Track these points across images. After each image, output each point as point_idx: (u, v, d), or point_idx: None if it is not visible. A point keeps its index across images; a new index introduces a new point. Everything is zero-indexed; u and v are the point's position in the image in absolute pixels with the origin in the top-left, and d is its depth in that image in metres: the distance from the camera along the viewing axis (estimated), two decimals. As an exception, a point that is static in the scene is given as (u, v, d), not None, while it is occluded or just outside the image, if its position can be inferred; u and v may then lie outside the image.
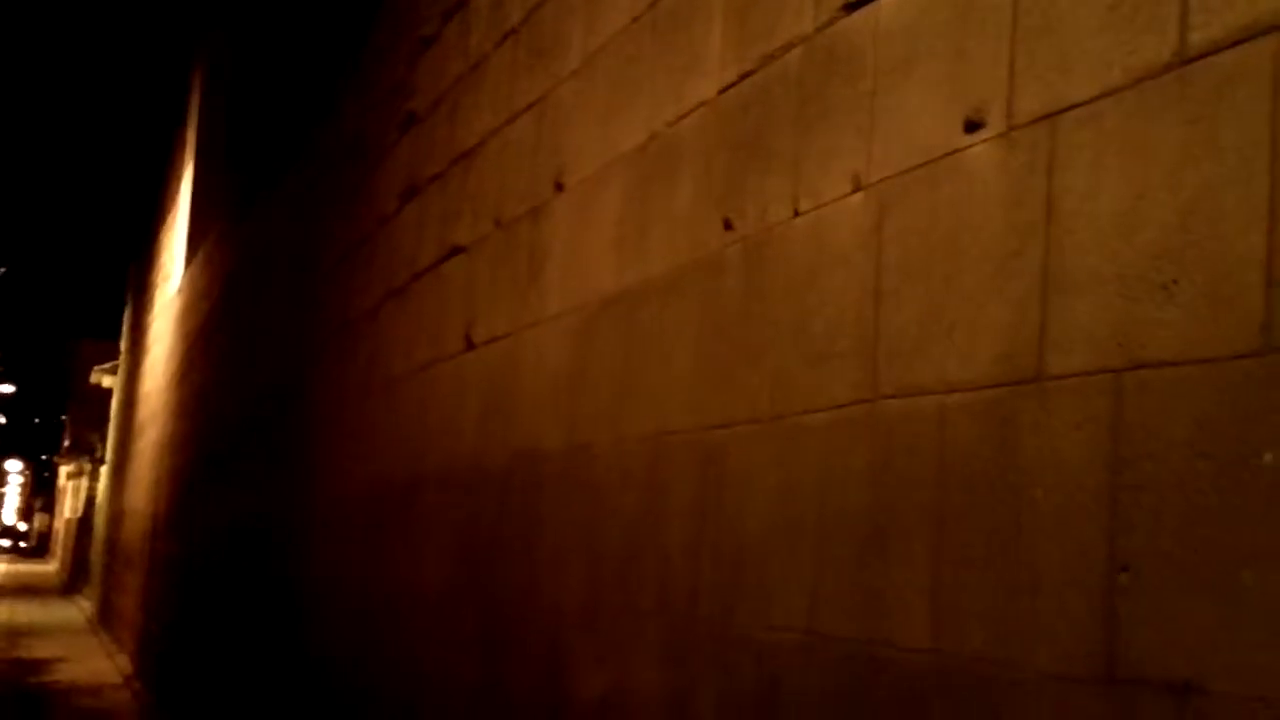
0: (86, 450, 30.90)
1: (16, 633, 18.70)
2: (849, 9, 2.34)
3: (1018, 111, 1.94)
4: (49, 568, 43.48)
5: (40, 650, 16.20)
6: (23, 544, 71.34)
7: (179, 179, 15.19)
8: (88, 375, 28.25)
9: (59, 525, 47.46)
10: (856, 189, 2.30)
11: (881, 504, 2.13)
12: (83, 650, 16.48)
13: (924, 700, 1.97)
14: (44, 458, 52.09)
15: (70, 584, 30.81)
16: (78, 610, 23.39)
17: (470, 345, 4.25)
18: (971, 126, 2.04)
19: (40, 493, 69.10)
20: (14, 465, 76.31)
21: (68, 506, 41.76)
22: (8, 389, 41.28)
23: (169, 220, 15.90)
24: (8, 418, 46.28)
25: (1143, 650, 1.59)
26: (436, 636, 4.23)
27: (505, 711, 3.58)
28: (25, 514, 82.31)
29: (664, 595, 2.78)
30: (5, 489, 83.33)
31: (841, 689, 2.17)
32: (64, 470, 44.36)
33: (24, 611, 23.15)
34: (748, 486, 2.52)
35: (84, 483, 33.69)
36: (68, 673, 14.02)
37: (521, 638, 3.54)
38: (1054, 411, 1.80)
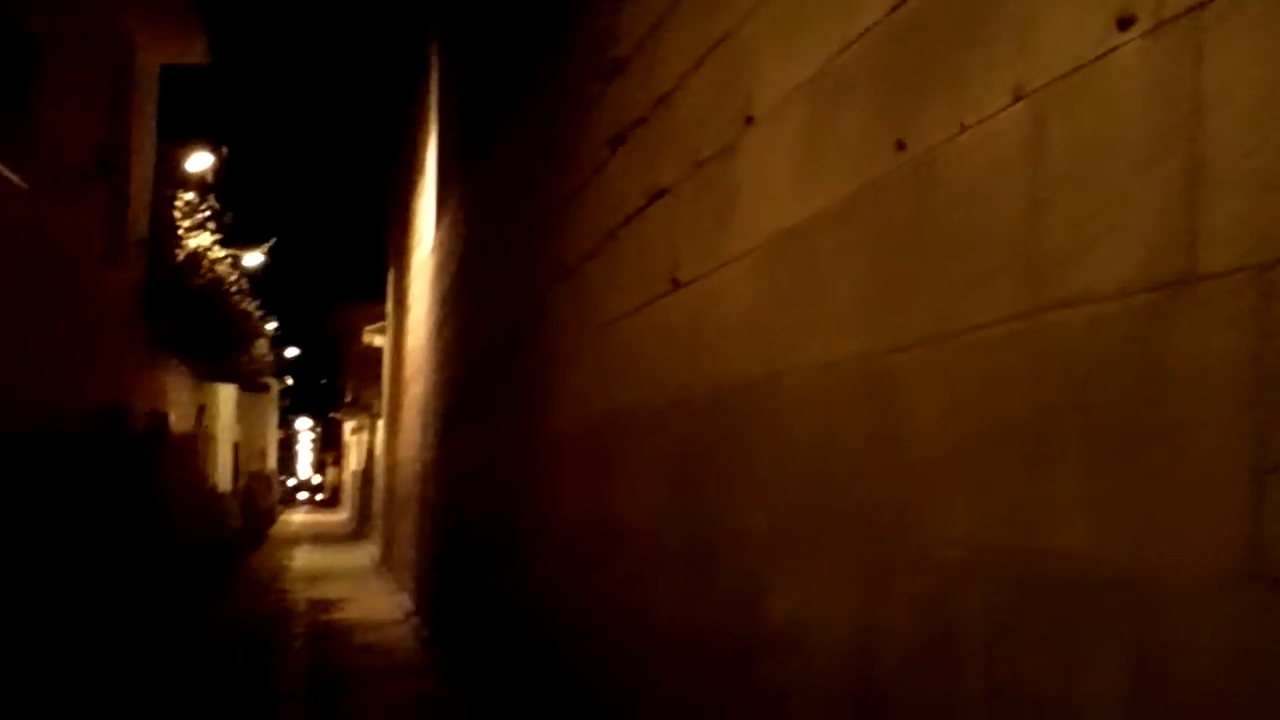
0: (364, 406, 32.82)
1: (313, 576, 20.18)
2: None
3: (1166, 5, 1.90)
4: (340, 517, 46.48)
5: (332, 591, 17.44)
6: (318, 496, 76.16)
7: (426, 140, 15.86)
8: (360, 336, 29.91)
9: (346, 477, 50.64)
10: (1017, 99, 2.28)
11: (1041, 416, 2.13)
12: (367, 591, 17.64)
13: (1083, 606, 1.98)
14: (329, 415, 55.38)
15: (358, 531, 32.90)
16: (364, 555, 24.99)
17: (675, 285, 4.35)
18: (1123, 24, 1.99)
19: (329, 448, 73.51)
20: (304, 423, 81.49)
21: (352, 459, 44.52)
22: (293, 352, 44.00)
23: (420, 183, 16.63)
24: (295, 379, 49.38)
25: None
26: (647, 564, 4.38)
27: (707, 632, 3.70)
28: (318, 468, 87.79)
29: (843, 517, 2.83)
30: (299, 446, 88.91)
31: (1008, 600, 2.18)
32: (347, 426, 47.24)
33: (319, 557, 24.96)
34: (917, 406, 2.54)
35: (364, 437, 35.83)
36: (355, 610, 15.06)
37: (720, 562, 3.65)
38: (1203, 312, 1.77)
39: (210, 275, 12.91)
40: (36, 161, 7.15)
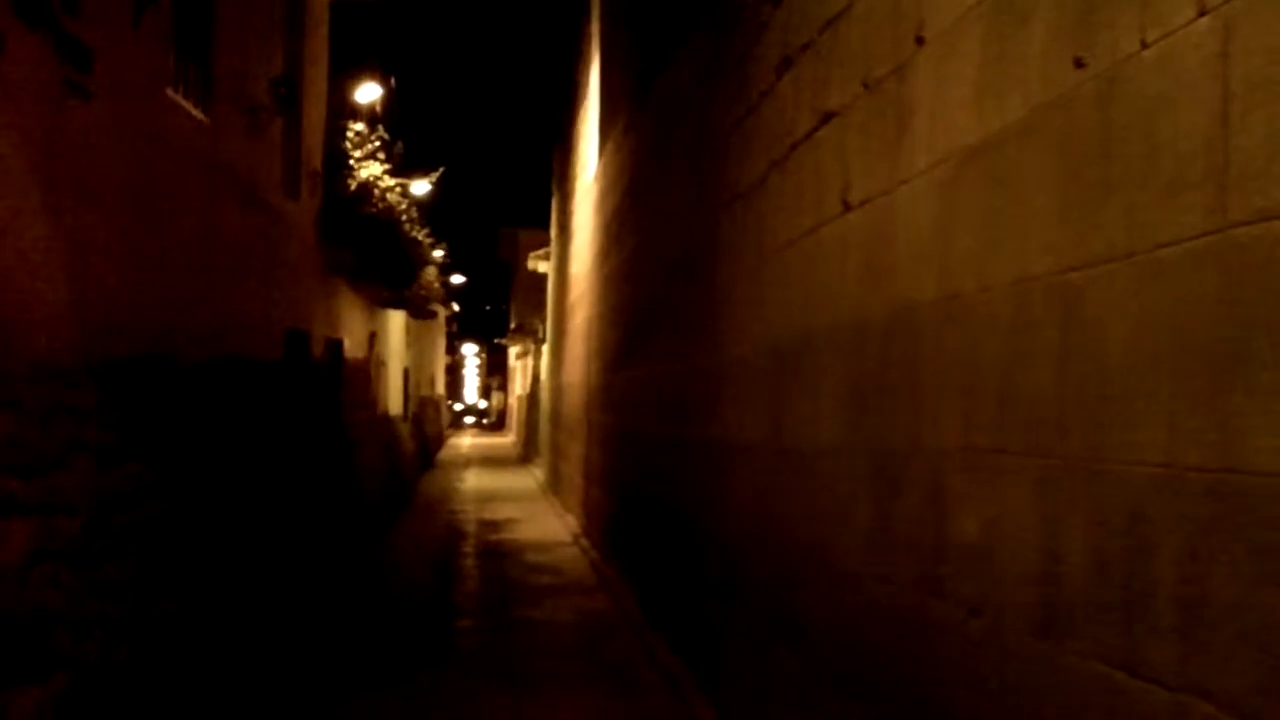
0: (529, 332, 33.39)
1: (482, 498, 20.81)
2: None
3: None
4: (506, 440, 47.61)
5: (502, 513, 17.97)
6: (484, 420, 77.97)
7: (588, 69, 15.95)
8: (525, 262, 30.37)
9: (512, 402, 51.75)
10: (1201, 13, 2.22)
11: (1232, 333, 2.10)
12: (536, 512, 18.12)
13: (1274, 524, 1.96)
14: (495, 340, 56.49)
15: (524, 455, 33.68)
16: (531, 478, 25.61)
17: (847, 207, 4.34)
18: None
19: (495, 373, 75.10)
20: (470, 349, 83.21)
21: (518, 384, 45.45)
22: (459, 279, 44.92)
23: (582, 111, 16.76)
24: (461, 306, 50.46)
25: None
26: (831, 483, 4.42)
27: (893, 548, 3.74)
28: (484, 393, 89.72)
29: (1032, 435, 2.83)
30: (465, 371, 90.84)
31: (1200, 516, 2.17)
32: (513, 351, 48.19)
33: (487, 480, 25.70)
34: (1105, 325, 2.53)
35: (530, 362, 36.50)
36: (524, 531, 15.50)
37: (905, 479, 3.67)
38: None
39: (382, 204, 13.24)
40: (216, 97, 7.43)
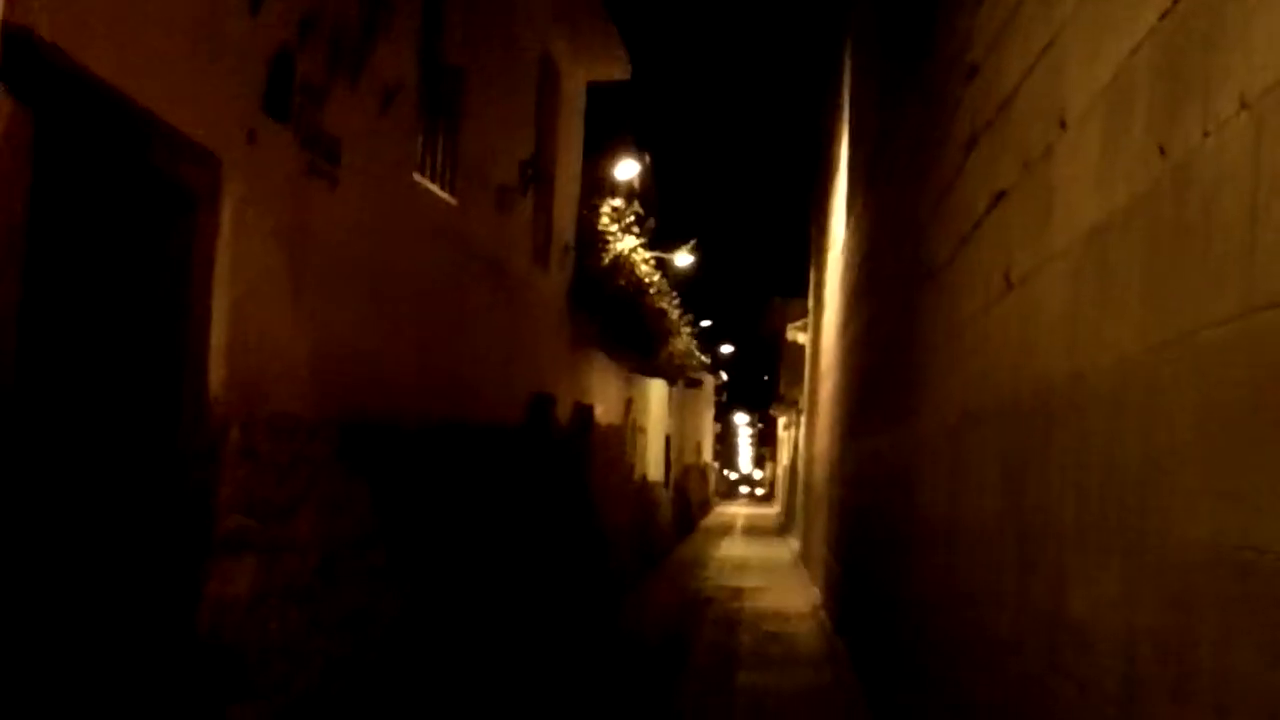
0: (791, 402, 33.56)
1: (735, 566, 21.12)
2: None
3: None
4: (772, 510, 47.67)
5: (749, 581, 18.19)
6: (758, 491, 78.17)
7: (839, 141, 16.20)
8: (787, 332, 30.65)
9: (778, 472, 51.83)
10: (1243, 107, 2.32)
11: (1254, 417, 2.17)
12: (783, 582, 18.22)
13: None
14: (766, 411, 56.82)
15: (784, 525, 33.71)
16: (786, 549, 25.68)
17: (1009, 286, 4.44)
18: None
19: (766, 443, 75.27)
20: (742, 419, 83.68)
21: (784, 454, 45.53)
22: (728, 349, 45.59)
23: (833, 184, 17.00)
24: (731, 375, 51.10)
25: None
26: (987, 558, 4.49)
27: (1027, 625, 3.80)
28: (757, 462, 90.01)
29: (1124, 518, 2.90)
30: (738, 440, 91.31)
31: (1235, 596, 2.23)
32: (780, 421, 48.35)
33: (744, 549, 25.98)
34: (1172, 409, 2.61)
35: (794, 432, 36.59)
36: (767, 600, 15.66)
37: (1039, 557, 3.73)
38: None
39: (632, 277, 13.82)
40: (463, 178, 8.06)
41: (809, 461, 21.55)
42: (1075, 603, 3.28)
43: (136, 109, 3.83)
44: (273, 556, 5.10)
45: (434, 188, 7.55)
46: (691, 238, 19.56)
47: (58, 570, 3.70)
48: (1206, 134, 2.50)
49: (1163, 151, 2.76)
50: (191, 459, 4.31)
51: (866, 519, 9.48)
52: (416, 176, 7.24)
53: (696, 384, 32.46)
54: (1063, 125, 3.79)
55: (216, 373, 4.47)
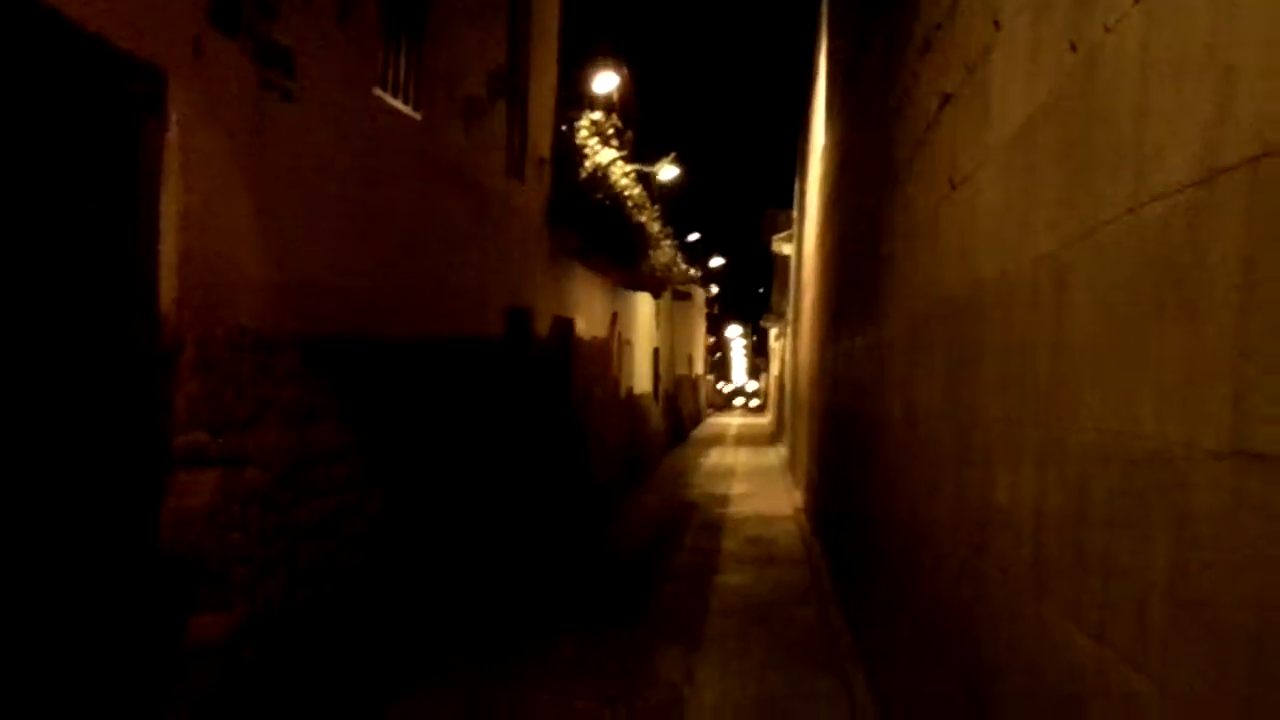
0: (780, 313, 33.62)
1: (722, 473, 21.49)
2: None
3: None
4: (765, 419, 47.96)
5: (735, 489, 18.45)
6: (753, 403, 78.42)
7: (820, 48, 16.09)
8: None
9: (770, 383, 52.04)
10: (1135, 1, 2.35)
11: (1132, 312, 2.23)
12: (768, 488, 18.48)
13: (1153, 483, 2.11)
14: (759, 323, 56.93)
15: (775, 433, 33.96)
16: (775, 455, 25.95)
17: (953, 187, 4.48)
18: None
19: (760, 354, 75.43)
20: (735, 331, 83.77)
21: (774, 364, 45.69)
22: (718, 261, 45.55)
23: (814, 96, 16.89)
24: (724, 288, 51.11)
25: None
26: (935, 452, 4.60)
27: (963, 513, 3.91)
28: (753, 374, 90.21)
29: (1036, 408, 2.99)
30: (733, 353, 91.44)
31: (1117, 481, 2.32)
32: (772, 332, 48.45)
33: (733, 457, 26.26)
34: (1074, 303, 2.67)
35: (784, 343, 36.72)
36: (751, 506, 15.92)
37: (970, 453, 3.83)
38: (1214, 214, 1.84)
39: (612, 190, 13.80)
40: (428, 92, 8.02)
41: (795, 370, 21.69)
42: (999, 492, 3.37)
43: (70, 24, 3.83)
44: (233, 468, 5.17)
45: (397, 103, 7.52)
46: (680, 151, 19.48)
47: (7, 486, 3.77)
48: (1107, 29, 2.53)
49: (1074, 47, 2.80)
50: (143, 372, 4.37)
51: (840, 422, 9.60)
52: (378, 91, 7.20)
53: (685, 297, 32.54)
54: (997, 25, 3.81)
55: (169, 285, 4.51)
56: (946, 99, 4.74)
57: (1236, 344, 1.78)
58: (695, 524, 14.13)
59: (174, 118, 4.49)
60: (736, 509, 15.61)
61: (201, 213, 4.82)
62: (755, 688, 6.69)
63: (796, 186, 23.37)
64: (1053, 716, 2.69)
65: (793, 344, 23.26)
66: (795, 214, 23.63)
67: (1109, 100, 2.51)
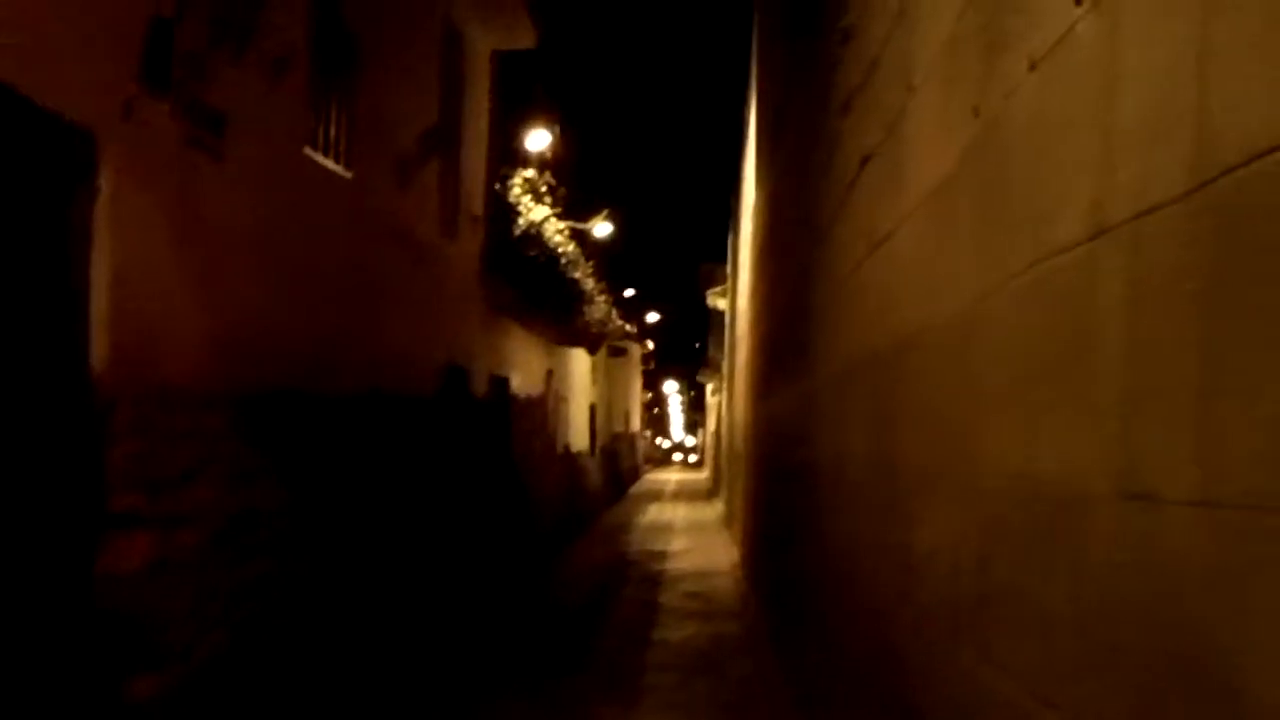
0: (717, 368, 33.85)
1: (660, 529, 21.54)
2: None
3: None
4: (703, 475, 48.07)
5: (674, 544, 18.50)
6: (691, 458, 78.58)
7: (750, 109, 16.37)
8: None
9: (707, 438, 52.23)
10: (1031, 68, 2.49)
11: (1028, 362, 2.35)
12: (706, 544, 18.52)
13: (1052, 523, 2.21)
14: (696, 378, 57.19)
15: (713, 489, 34.06)
16: (712, 511, 26.03)
17: (874, 245, 4.62)
18: None
19: (698, 409, 75.68)
20: (672, 386, 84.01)
21: (711, 419, 45.90)
22: (654, 317, 45.81)
23: (746, 153, 17.17)
24: (661, 342, 51.36)
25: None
26: (859, 502, 4.70)
27: (887, 557, 4.01)
28: (690, 429, 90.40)
29: (952, 458, 3.09)
30: (670, 408, 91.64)
31: (1021, 521, 2.42)
32: (709, 387, 48.71)
33: (671, 513, 26.29)
34: (983, 356, 2.78)
35: (722, 397, 36.93)
36: (689, 561, 15.98)
37: (892, 499, 3.93)
38: (1103, 267, 1.96)
39: (546, 247, 13.93)
40: (360, 151, 8.10)
41: (730, 425, 21.84)
42: (920, 539, 3.47)
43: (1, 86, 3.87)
44: (168, 528, 5.17)
45: (328, 162, 7.60)
46: (613, 207, 19.67)
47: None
48: (1006, 94, 2.67)
49: (977, 113, 2.93)
50: (77, 432, 4.37)
51: (774, 475, 9.71)
52: (308, 150, 7.27)
53: (621, 353, 32.66)
54: (910, 89, 3.96)
55: (101, 345, 4.53)
56: (866, 159, 4.89)
57: (1123, 390, 1.89)
58: (634, 579, 14.14)
59: (104, 178, 4.53)
60: (675, 564, 15.65)
61: (133, 272, 4.84)
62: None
63: (730, 241, 23.68)
64: (971, 755, 2.77)
65: (728, 399, 23.43)
66: (729, 269, 23.92)
67: (1010, 161, 2.64)
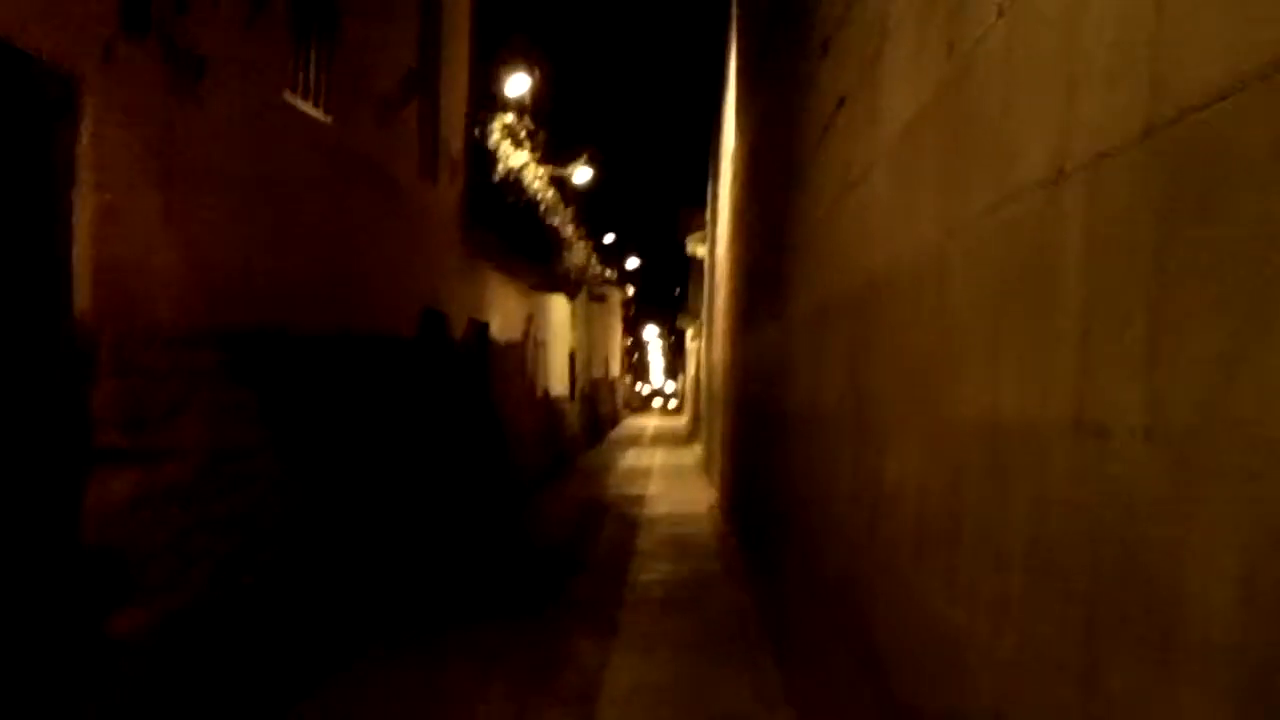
0: (696, 313, 33.92)
1: (638, 473, 21.65)
2: None
3: None
4: (682, 420, 48.27)
5: (651, 487, 18.62)
6: (671, 403, 78.74)
7: (730, 49, 16.34)
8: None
9: (687, 383, 52.39)
10: (999, 15, 2.55)
11: (996, 303, 2.43)
12: (684, 486, 18.69)
13: (1013, 457, 2.30)
14: (676, 323, 57.23)
15: (692, 433, 34.25)
16: (691, 455, 26.21)
17: (850, 183, 4.68)
18: None
19: (677, 355, 75.75)
20: (653, 332, 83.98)
21: (691, 364, 46.04)
22: (634, 262, 45.78)
23: (726, 101, 17.14)
24: (641, 288, 51.36)
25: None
26: (836, 435, 4.80)
27: (861, 487, 4.11)
28: (670, 374, 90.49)
29: (919, 393, 3.18)
30: (651, 354, 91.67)
31: (983, 459, 2.51)
32: (688, 332, 48.79)
33: (649, 457, 26.46)
34: (955, 289, 2.86)
35: (701, 342, 37.02)
36: (666, 503, 16.12)
37: (866, 434, 4.03)
38: (1062, 208, 2.03)
39: (526, 193, 13.93)
40: (339, 94, 8.09)
41: (710, 370, 21.95)
42: (889, 471, 3.57)
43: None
44: (153, 464, 5.23)
45: (307, 106, 7.57)
46: (593, 150, 19.63)
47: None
48: (978, 37, 2.73)
49: (951, 49, 2.99)
50: (62, 371, 4.42)
51: (751, 415, 9.83)
52: (288, 94, 7.25)
53: (601, 299, 32.67)
54: (885, 29, 4.01)
55: (84, 285, 4.56)
56: (843, 100, 4.94)
57: (1080, 327, 1.96)
58: (612, 520, 14.27)
59: (86, 120, 4.54)
60: (652, 506, 15.79)
61: (115, 213, 4.87)
62: (669, 671, 6.87)
63: (710, 188, 23.68)
64: (933, 682, 2.88)
65: (707, 344, 23.53)
66: (709, 215, 23.93)
67: (980, 102, 2.71)
